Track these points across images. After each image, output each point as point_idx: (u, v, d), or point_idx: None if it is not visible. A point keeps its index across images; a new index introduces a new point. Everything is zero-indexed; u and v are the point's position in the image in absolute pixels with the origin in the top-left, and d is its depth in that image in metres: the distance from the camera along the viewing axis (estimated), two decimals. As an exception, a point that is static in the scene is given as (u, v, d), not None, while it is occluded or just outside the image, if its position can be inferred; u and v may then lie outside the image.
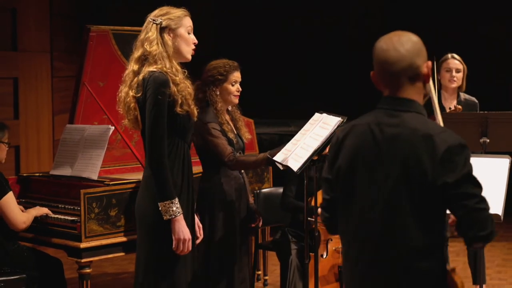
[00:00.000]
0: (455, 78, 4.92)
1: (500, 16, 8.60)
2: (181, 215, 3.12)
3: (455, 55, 4.98)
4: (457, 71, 4.93)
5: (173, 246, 3.13)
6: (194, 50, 3.33)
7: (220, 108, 3.99)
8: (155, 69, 3.13)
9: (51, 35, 6.88)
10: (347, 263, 2.38)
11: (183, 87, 3.18)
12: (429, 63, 2.29)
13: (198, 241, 3.43)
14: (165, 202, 3.09)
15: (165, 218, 3.09)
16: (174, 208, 3.10)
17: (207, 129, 3.92)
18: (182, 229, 3.12)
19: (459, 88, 4.99)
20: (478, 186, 2.19)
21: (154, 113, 3.08)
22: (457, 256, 5.90)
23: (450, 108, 4.87)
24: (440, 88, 5.01)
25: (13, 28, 6.49)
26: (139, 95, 3.14)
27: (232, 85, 4.02)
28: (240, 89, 4.06)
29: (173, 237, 3.12)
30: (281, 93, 9.12)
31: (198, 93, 4.03)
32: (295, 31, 9.34)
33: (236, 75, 4.04)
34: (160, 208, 3.10)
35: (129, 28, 4.62)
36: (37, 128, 6.69)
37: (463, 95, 5.02)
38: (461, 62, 4.95)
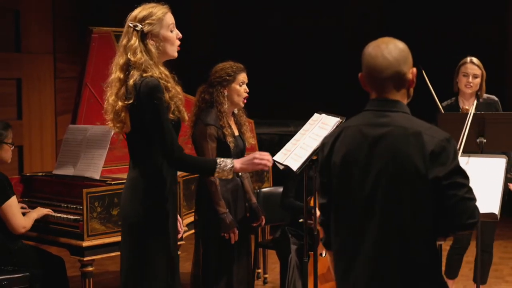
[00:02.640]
0: (471, 84, 4.81)
1: (498, 17, 8.63)
2: (233, 162, 3.13)
3: (474, 60, 4.85)
4: (475, 76, 4.81)
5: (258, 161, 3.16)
6: (179, 46, 3.20)
7: (225, 110, 4.00)
8: (145, 76, 3.04)
9: (54, 37, 6.92)
10: (342, 263, 2.42)
11: (175, 93, 3.11)
12: (414, 69, 2.40)
13: (179, 236, 3.39)
14: (217, 171, 3.09)
15: (230, 177, 3.14)
16: (226, 166, 3.09)
17: (204, 131, 3.96)
18: (243, 162, 3.15)
19: (478, 92, 4.88)
20: (466, 177, 2.30)
21: (156, 118, 3.01)
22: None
23: (463, 109, 4.82)
24: (457, 94, 4.92)
25: (16, 30, 6.53)
26: (130, 101, 3.03)
27: (240, 86, 4.05)
28: (248, 90, 4.08)
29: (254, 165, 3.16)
30: (280, 93, 9.15)
31: (205, 94, 4.06)
32: (294, 31, 9.37)
33: (243, 76, 4.07)
34: (220, 176, 3.12)
35: (130, 29, 4.66)
36: (40, 128, 6.73)
37: (482, 96, 4.92)
38: (479, 67, 4.82)
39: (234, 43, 9.08)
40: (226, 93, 4.03)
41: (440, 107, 4.87)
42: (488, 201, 3.39)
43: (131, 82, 3.04)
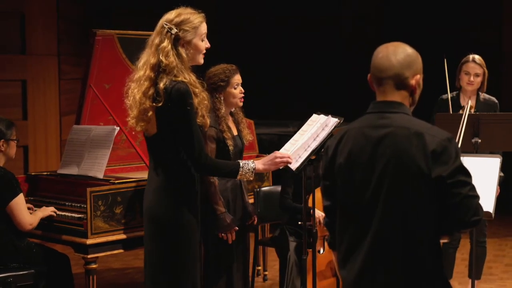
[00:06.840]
0: (473, 83, 4.88)
1: (494, 20, 8.68)
2: (255, 163, 3.29)
3: (476, 58, 4.90)
4: (476, 75, 4.87)
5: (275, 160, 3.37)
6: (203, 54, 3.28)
7: (223, 115, 4.04)
8: (175, 80, 3.08)
9: (58, 39, 7.00)
10: (347, 262, 2.44)
11: (202, 99, 3.16)
12: (418, 76, 2.41)
13: None
14: (240, 174, 3.22)
15: (251, 178, 3.28)
16: (248, 168, 3.24)
17: (203, 133, 4.01)
18: (265, 162, 3.35)
19: (479, 89, 4.95)
20: (469, 176, 2.33)
21: (187, 123, 3.07)
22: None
23: (463, 107, 4.86)
24: (459, 89, 4.99)
25: (22, 32, 6.61)
26: (160, 104, 3.05)
27: (235, 88, 4.08)
28: (243, 90, 4.11)
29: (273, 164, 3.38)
30: (280, 93, 9.19)
31: None
32: (293, 31, 9.41)
33: (237, 78, 4.09)
34: (242, 178, 3.27)
35: (133, 32, 4.71)
36: (45, 129, 6.81)
37: (483, 95, 4.99)
38: (481, 66, 4.88)
39: (234, 44, 9.14)
40: (222, 98, 4.06)
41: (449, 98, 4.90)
42: (483, 200, 3.46)
43: (161, 85, 3.05)
